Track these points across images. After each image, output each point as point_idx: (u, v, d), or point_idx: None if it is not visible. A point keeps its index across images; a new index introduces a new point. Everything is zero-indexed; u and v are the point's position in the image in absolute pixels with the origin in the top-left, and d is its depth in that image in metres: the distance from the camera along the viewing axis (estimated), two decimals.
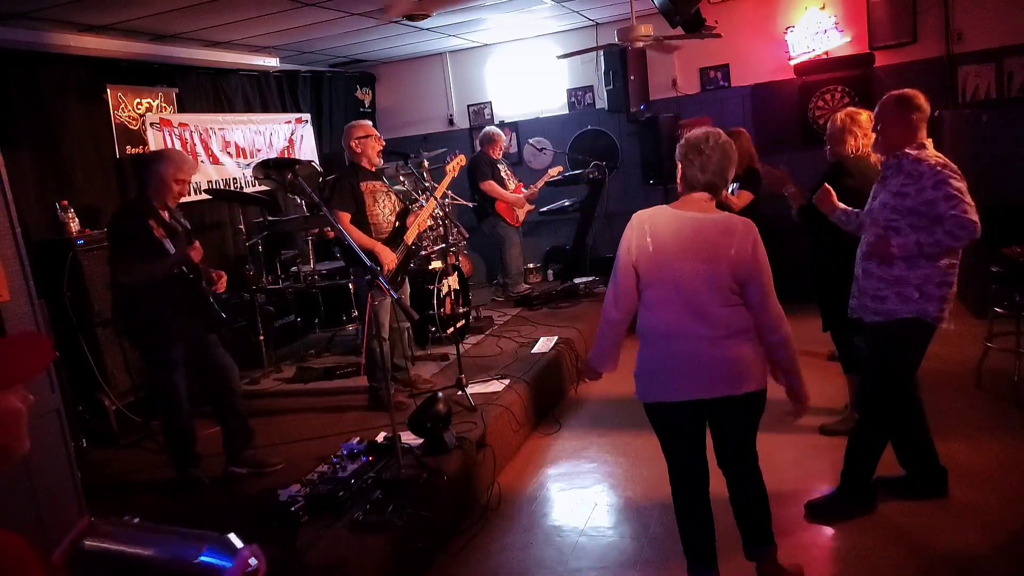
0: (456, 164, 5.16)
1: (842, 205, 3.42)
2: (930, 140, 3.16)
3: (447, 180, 5.07)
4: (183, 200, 4.05)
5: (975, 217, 2.91)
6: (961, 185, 2.95)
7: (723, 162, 2.63)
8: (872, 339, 3.24)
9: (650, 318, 2.66)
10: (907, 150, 3.07)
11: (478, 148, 7.33)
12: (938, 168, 2.96)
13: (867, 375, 3.31)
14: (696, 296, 2.55)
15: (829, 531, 3.25)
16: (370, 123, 4.78)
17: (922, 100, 3.10)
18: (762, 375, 2.62)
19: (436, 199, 4.80)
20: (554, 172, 7.38)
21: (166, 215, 3.77)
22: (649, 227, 2.62)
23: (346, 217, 4.45)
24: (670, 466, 2.83)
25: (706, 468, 2.78)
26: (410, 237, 4.67)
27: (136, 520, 1.41)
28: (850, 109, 3.94)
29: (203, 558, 1.29)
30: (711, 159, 2.60)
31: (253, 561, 1.30)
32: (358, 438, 3.94)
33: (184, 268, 3.66)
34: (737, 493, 2.80)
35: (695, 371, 2.58)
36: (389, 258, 4.52)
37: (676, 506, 2.84)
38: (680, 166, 2.68)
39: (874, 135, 3.25)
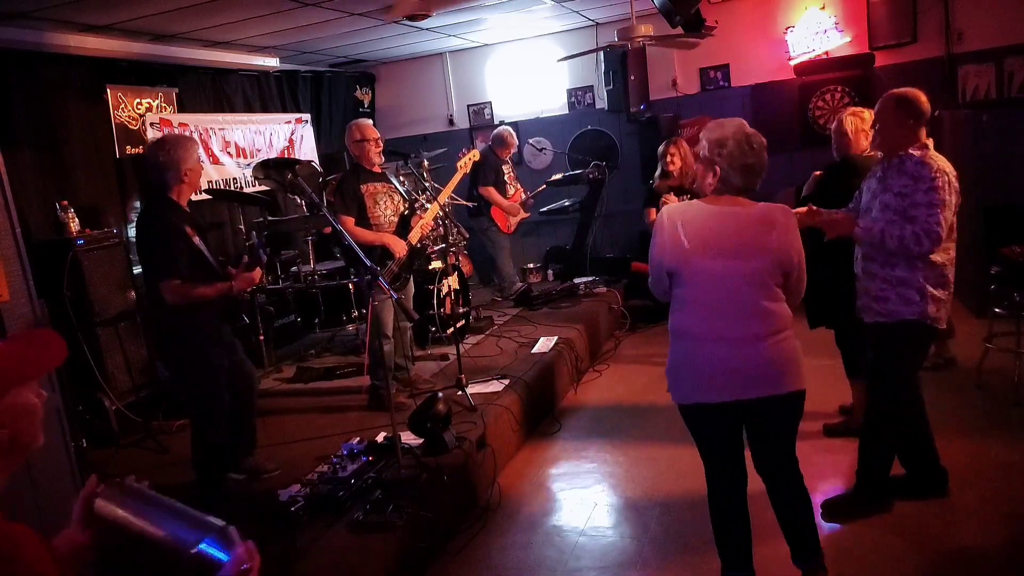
0: (468, 160, 5.11)
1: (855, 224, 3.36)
2: (931, 140, 3.13)
3: (459, 176, 5.00)
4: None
5: (939, 233, 2.92)
6: (950, 199, 2.94)
7: (763, 164, 2.50)
8: (874, 339, 3.24)
9: (686, 319, 2.53)
10: (911, 151, 3.04)
11: (484, 144, 7.30)
12: (936, 176, 2.94)
13: (872, 376, 3.30)
14: (737, 294, 2.44)
15: (831, 530, 3.24)
16: (369, 123, 4.71)
17: (922, 100, 3.08)
18: (803, 374, 2.54)
19: (439, 203, 4.78)
20: (558, 176, 7.39)
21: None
22: (681, 223, 2.46)
23: (349, 221, 4.44)
24: (708, 468, 2.75)
25: (744, 470, 2.71)
26: (414, 237, 4.66)
27: (146, 484, 1.43)
28: (854, 109, 3.92)
29: (202, 547, 1.29)
30: (752, 162, 2.47)
31: (246, 566, 1.31)
32: (358, 438, 3.94)
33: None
34: (780, 499, 2.72)
35: (737, 372, 2.46)
36: (399, 246, 4.51)
37: (712, 508, 2.76)
38: (717, 168, 2.48)
39: (873, 133, 3.25)
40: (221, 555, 1.29)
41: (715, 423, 2.61)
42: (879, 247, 3.06)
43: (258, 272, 3.59)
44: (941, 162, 3.01)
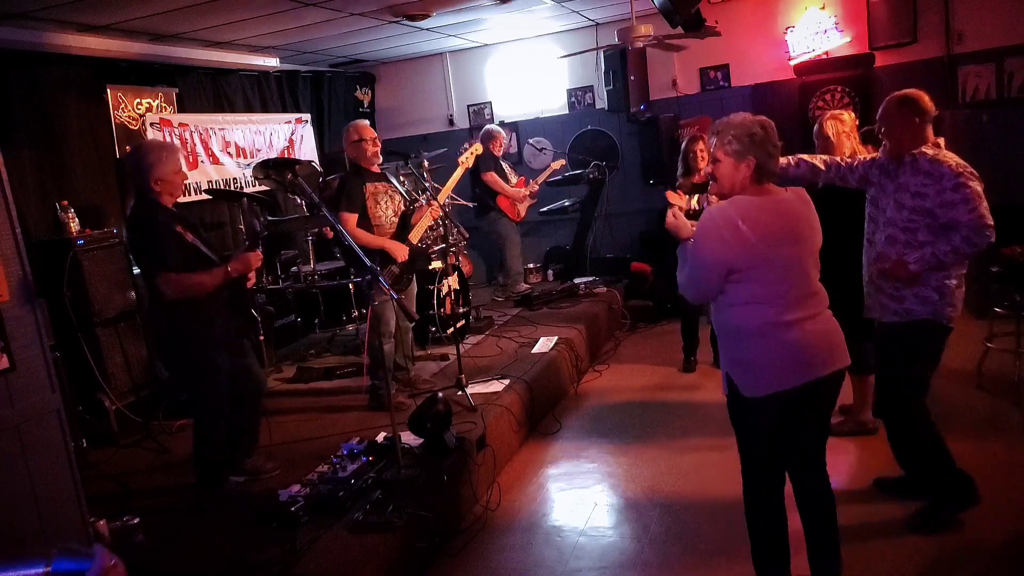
0: (471, 153, 5.00)
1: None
2: (941, 139, 3.12)
3: (461, 170, 4.92)
4: (185, 199, 3.94)
5: (991, 222, 2.90)
6: (980, 188, 2.93)
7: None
8: (889, 340, 3.20)
9: (760, 313, 2.49)
10: (923, 149, 3.04)
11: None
12: (959, 171, 2.93)
13: (885, 378, 3.25)
14: (803, 276, 2.51)
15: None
16: (366, 123, 4.69)
17: (926, 100, 3.08)
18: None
19: (439, 200, 4.77)
20: (556, 165, 7.39)
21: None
22: (741, 219, 2.43)
23: (352, 219, 4.44)
24: (756, 464, 2.67)
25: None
26: (415, 237, 4.67)
27: (135, 520, 1.42)
28: (833, 113, 3.95)
29: (55, 567, 1.28)
30: (778, 146, 2.55)
31: (113, 562, 1.30)
32: (358, 438, 3.94)
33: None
34: (810, 495, 2.71)
35: (815, 350, 2.51)
36: (401, 251, 4.52)
37: (756, 511, 2.70)
38: (752, 158, 2.49)
39: (881, 136, 3.19)
40: (77, 566, 1.28)
41: (787, 409, 2.57)
42: (939, 268, 3.00)
43: (258, 254, 3.55)
44: (954, 157, 3.00)
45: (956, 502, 3.18)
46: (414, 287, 4.95)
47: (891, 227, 3.12)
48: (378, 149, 4.61)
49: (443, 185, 5.07)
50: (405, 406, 4.35)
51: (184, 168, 3.59)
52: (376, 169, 4.64)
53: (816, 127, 3.95)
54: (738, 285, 2.50)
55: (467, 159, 4.96)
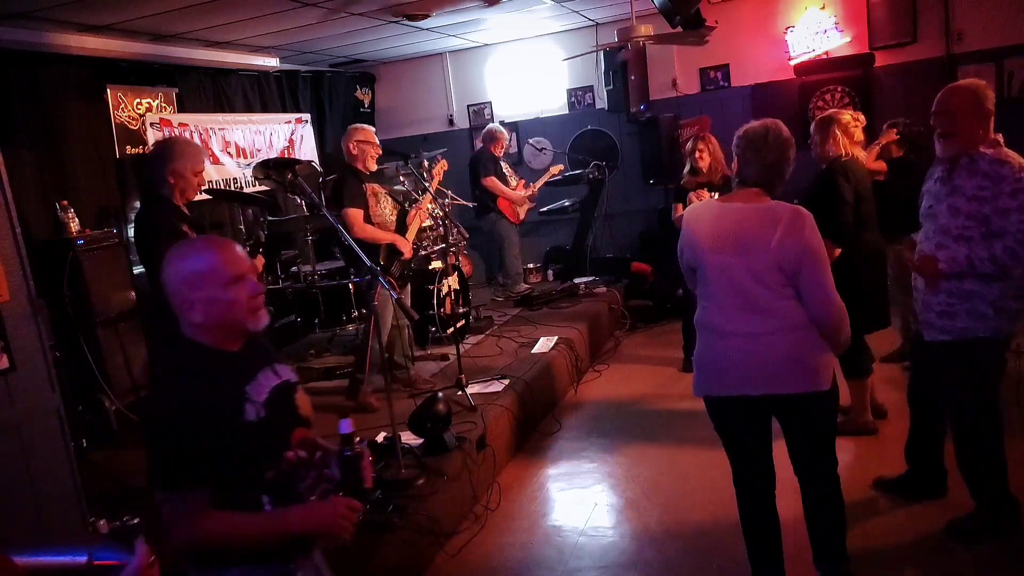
0: (439, 169, 5.24)
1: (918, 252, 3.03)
2: (1000, 135, 2.84)
3: (434, 184, 5.17)
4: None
5: None
6: None
7: (781, 159, 2.51)
8: (940, 360, 2.98)
9: (704, 314, 2.61)
10: (982, 148, 2.77)
11: (479, 145, 7.35)
12: (1020, 174, 2.65)
13: (951, 401, 3.04)
14: (743, 290, 2.45)
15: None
16: (372, 129, 4.77)
17: (991, 91, 2.85)
18: (818, 374, 2.48)
19: (424, 206, 4.89)
20: (555, 170, 7.40)
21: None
22: (694, 221, 2.57)
23: (360, 214, 4.49)
24: (732, 465, 2.74)
25: (770, 470, 2.67)
26: (411, 236, 4.74)
27: (135, 520, 1.43)
28: (832, 111, 3.95)
29: (97, 557, 1.30)
30: (767, 156, 2.49)
31: (151, 557, 1.32)
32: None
33: None
34: (809, 501, 2.70)
35: (747, 368, 2.47)
36: (407, 246, 4.64)
37: (740, 509, 2.75)
38: (736, 160, 2.59)
39: (937, 135, 2.90)
40: (120, 557, 1.30)
41: (731, 417, 2.63)
42: (972, 276, 2.74)
43: (260, 260, 3.61)
44: (1017, 158, 2.74)
45: (1001, 521, 3.02)
46: (408, 287, 5.00)
47: (942, 235, 2.83)
48: (377, 155, 4.70)
49: (443, 186, 5.15)
50: (375, 408, 4.44)
51: (202, 164, 3.54)
52: (370, 172, 4.70)
53: (813, 125, 3.95)
54: (699, 286, 2.62)
55: (437, 172, 5.22)
